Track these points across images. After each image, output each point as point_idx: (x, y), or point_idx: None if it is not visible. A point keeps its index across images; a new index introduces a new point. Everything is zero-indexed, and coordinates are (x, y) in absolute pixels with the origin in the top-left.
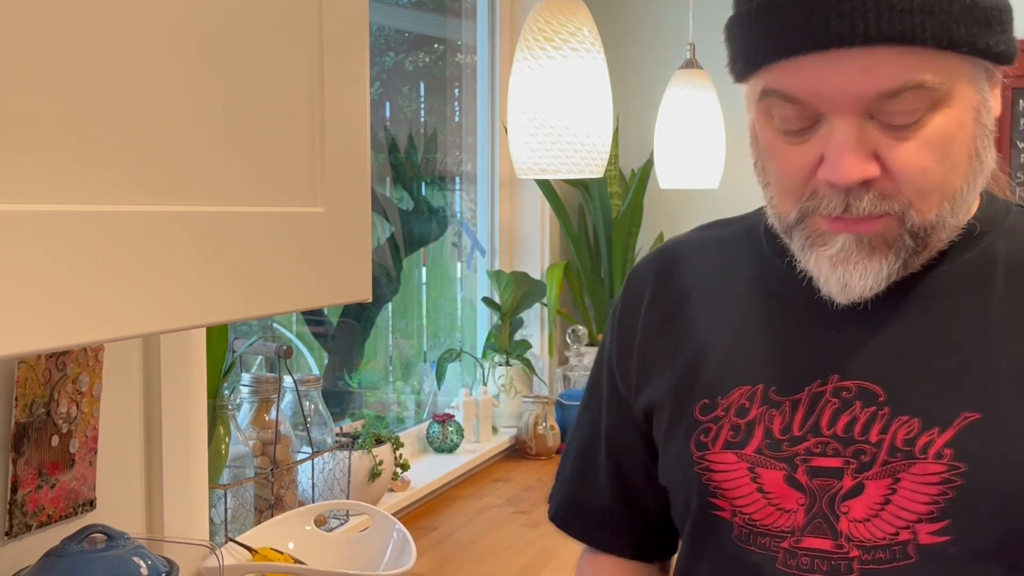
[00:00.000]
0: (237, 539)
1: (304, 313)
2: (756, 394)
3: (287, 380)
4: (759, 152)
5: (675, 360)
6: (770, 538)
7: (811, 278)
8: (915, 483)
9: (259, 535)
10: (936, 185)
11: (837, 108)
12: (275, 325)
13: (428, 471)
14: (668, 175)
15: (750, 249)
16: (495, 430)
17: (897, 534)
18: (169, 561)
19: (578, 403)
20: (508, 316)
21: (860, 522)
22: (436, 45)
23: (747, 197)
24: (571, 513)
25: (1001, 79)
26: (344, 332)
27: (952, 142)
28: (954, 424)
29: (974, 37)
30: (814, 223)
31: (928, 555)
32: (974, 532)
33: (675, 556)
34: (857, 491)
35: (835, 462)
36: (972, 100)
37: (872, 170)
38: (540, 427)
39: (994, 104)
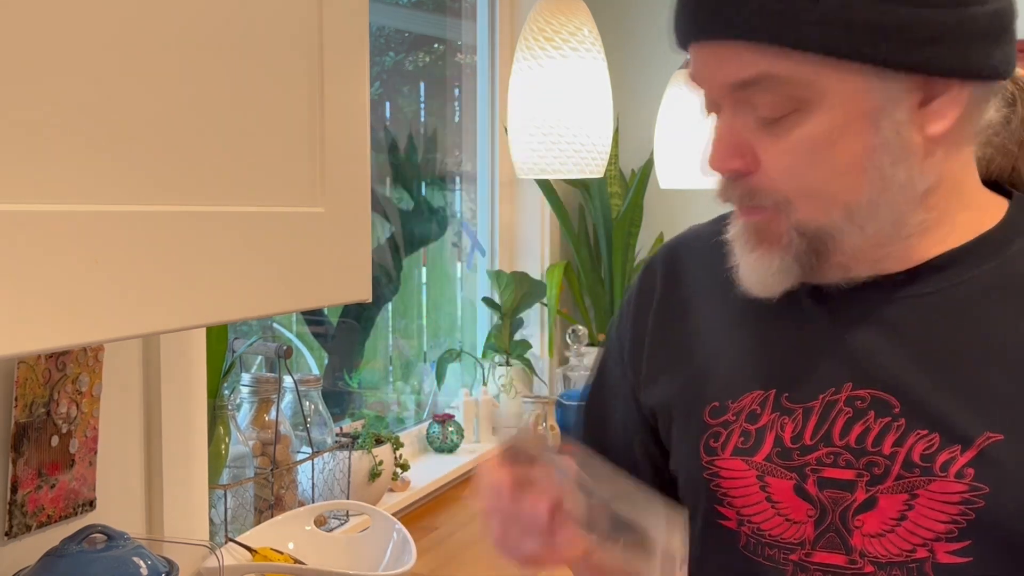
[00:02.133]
0: (237, 539)
1: (304, 313)
2: (768, 400)
3: (287, 380)
4: None
5: (685, 360)
6: (778, 550)
7: (825, 280)
8: (934, 501)
9: (259, 535)
10: (812, 189)
11: (716, 95)
12: (275, 325)
13: (428, 471)
14: (668, 175)
15: None
16: (495, 430)
17: (914, 551)
18: (169, 561)
19: (578, 403)
20: (508, 316)
21: (875, 537)
22: (436, 45)
23: None
24: None
25: (955, 90)
26: (344, 332)
27: (827, 148)
28: (976, 443)
29: (856, 44)
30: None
31: (947, 575)
32: (995, 555)
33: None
34: (871, 505)
35: (847, 474)
36: (862, 108)
37: (737, 164)
38: (540, 427)
39: (932, 122)
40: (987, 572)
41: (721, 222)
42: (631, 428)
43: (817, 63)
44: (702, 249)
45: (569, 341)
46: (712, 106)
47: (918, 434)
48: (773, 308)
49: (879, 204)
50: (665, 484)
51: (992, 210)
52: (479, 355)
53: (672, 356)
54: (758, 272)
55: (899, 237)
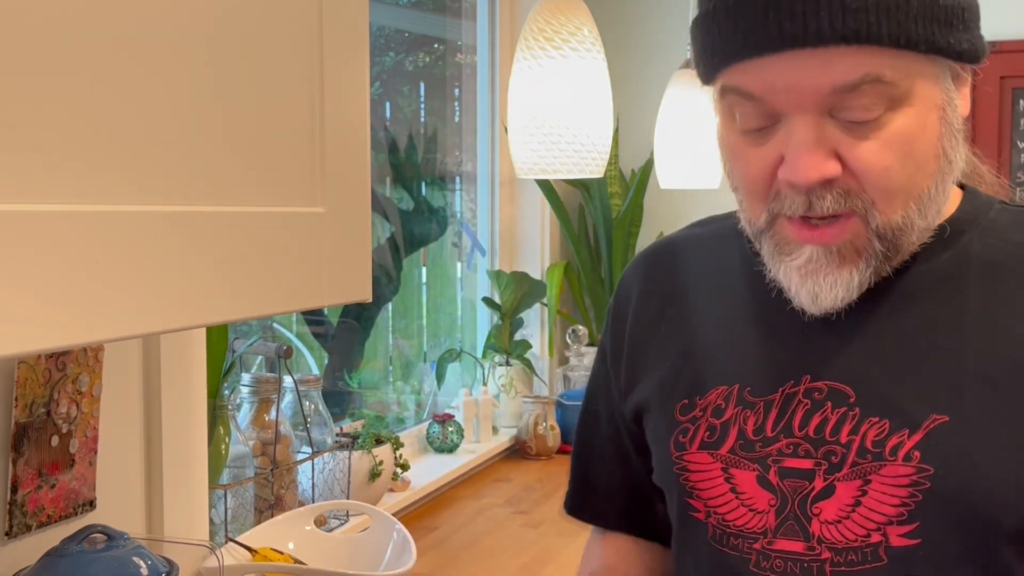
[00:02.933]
0: (237, 539)
1: (304, 313)
2: (732, 394)
3: (287, 380)
4: (725, 156)
5: (662, 360)
6: (743, 539)
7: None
8: (884, 485)
9: (259, 535)
10: (900, 185)
11: (795, 105)
12: (275, 325)
13: (428, 471)
14: (668, 175)
15: (734, 247)
16: (495, 430)
17: (868, 536)
18: (169, 561)
19: (578, 403)
20: (508, 316)
21: (831, 524)
22: (436, 45)
23: None
24: (581, 500)
25: (969, 79)
26: (344, 332)
27: (915, 142)
28: (923, 426)
29: (933, 35)
30: (781, 230)
31: (899, 557)
32: (943, 535)
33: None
34: (828, 492)
35: (806, 463)
36: (936, 99)
37: (832, 168)
38: (540, 427)
39: (961, 104)
40: (936, 553)
41: (695, 227)
42: (609, 433)
43: (913, 60)
44: (680, 252)
45: (569, 341)
46: (763, 119)
47: (870, 421)
48: (738, 308)
49: (940, 190)
50: (642, 491)
51: (953, 198)
52: (479, 355)
53: (652, 358)
54: (840, 290)
55: (933, 224)
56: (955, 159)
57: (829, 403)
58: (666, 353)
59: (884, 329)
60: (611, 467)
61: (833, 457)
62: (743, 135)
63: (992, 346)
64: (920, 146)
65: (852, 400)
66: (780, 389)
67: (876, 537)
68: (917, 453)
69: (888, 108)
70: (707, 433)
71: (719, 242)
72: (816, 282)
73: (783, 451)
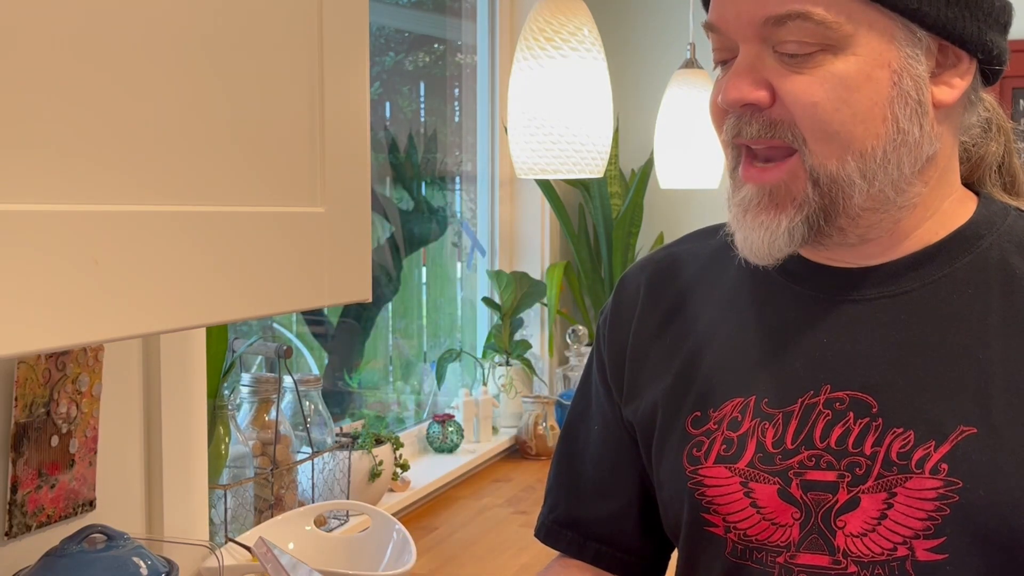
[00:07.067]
0: (237, 539)
1: (304, 313)
2: (748, 406)
3: (287, 380)
4: None
5: (667, 371)
6: (766, 553)
7: (798, 284)
8: (911, 498)
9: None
10: (833, 129)
11: (738, 34)
12: (275, 325)
13: (428, 471)
14: (668, 175)
15: (739, 256)
16: (495, 430)
17: (895, 550)
18: (169, 561)
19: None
20: (508, 316)
21: (857, 537)
22: (436, 45)
23: None
24: (559, 527)
25: (971, 71)
26: (344, 332)
27: (854, 91)
28: (951, 438)
29: None
30: (737, 170)
31: (925, 572)
32: (971, 550)
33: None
34: (853, 505)
35: (829, 475)
36: (887, 57)
37: (757, 95)
38: (540, 427)
39: (941, 87)
40: (963, 569)
41: (696, 238)
42: (608, 445)
43: (852, 8)
44: (683, 263)
45: (569, 341)
46: (726, 52)
47: (895, 432)
48: (746, 317)
49: (890, 158)
50: (635, 501)
51: (967, 203)
52: (479, 355)
53: (656, 367)
54: (766, 233)
55: (894, 206)
56: (911, 131)
57: (851, 413)
58: (671, 364)
59: (904, 336)
60: (600, 498)
61: (857, 469)
62: (720, 71)
63: (1016, 355)
64: (860, 98)
65: (875, 410)
66: (799, 400)
67: (902, 551)
68: (945, 466)
69: (825, 49)
70: (723, 447)
71: (719, 253)
72: (746, 223)
73: (805, 463)
